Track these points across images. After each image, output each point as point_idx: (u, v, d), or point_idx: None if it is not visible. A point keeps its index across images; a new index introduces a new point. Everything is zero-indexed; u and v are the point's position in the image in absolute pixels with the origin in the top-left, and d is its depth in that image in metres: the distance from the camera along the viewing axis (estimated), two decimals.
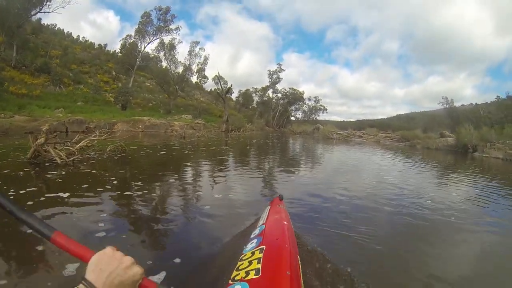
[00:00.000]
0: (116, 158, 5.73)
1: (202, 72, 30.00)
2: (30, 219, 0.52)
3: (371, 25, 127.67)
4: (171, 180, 4.37)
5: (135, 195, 3.35)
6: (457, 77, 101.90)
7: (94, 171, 4.50)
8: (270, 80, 43.43)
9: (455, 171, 8.43)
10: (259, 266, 1.05)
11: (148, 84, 35.55)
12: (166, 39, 25.82)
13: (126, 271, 0.48)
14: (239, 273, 1.06)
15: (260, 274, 1.00)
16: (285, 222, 1.55)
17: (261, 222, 1.73)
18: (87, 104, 24.61)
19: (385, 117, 66.51)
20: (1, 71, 19.63)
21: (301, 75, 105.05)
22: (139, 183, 3.91)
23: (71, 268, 1.63)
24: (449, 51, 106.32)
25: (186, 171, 5.55)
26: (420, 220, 3.20)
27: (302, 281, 1.05)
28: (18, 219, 0.52)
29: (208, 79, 31.96)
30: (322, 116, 51.60)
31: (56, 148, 4.68)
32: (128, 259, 0.50)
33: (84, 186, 3.51)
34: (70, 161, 4.66)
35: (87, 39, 47.92)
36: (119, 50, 28.28)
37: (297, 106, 50.45)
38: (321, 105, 51.02)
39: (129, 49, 25.33)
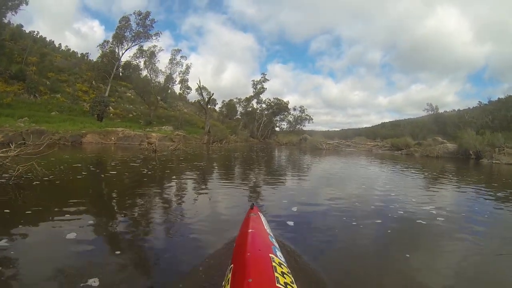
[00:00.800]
0: (21, 182, 4.21)
1: (185, 82, 28.79)
2: None
3: (355, 35, 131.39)
4: None
5: None
6: (439, 84, 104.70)
7: None
8: (254, 90, 42.31)
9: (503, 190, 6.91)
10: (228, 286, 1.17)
11: (129, 94, 34.03)
12: (146, 45, 24.63)
13: None
14: None
15: None
16: (251, 230, 1.63)
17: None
18: (62, 114, 22.99)
19: (370, 125, 65.72)
20: None
21: (285, 85, 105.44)
22: None
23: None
24: (431, 59, 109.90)
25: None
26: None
27: (276, 280, 1.10)
28: None
29: (191, 89, 30.90)
30: (308, 126, 50.33)
31: None
32: None
33: None
34: None
35: (69, 48, 46.44)
36: (99, 58, 26.82)
37: (282, 117, 49.11)
38: (306, 114, 49.63)
39: (108, 55, 23.89)
